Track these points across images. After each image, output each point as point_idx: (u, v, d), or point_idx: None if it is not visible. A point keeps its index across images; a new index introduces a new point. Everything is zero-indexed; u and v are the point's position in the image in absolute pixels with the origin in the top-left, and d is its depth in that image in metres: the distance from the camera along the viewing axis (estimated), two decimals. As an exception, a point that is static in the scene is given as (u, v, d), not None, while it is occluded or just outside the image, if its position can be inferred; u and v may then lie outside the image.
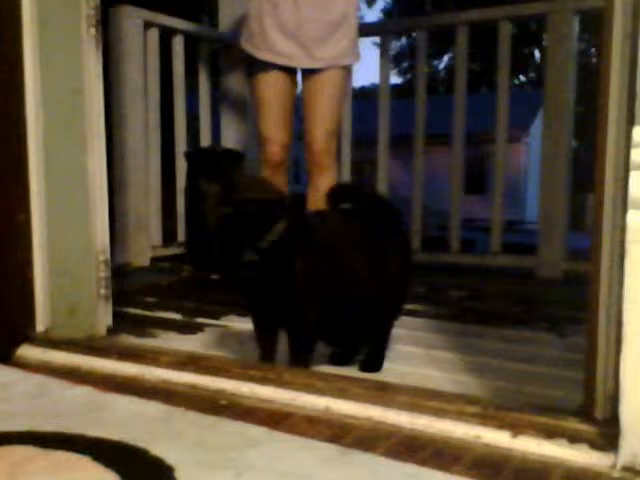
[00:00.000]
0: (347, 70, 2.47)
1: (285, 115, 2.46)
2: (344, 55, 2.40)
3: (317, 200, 2.49)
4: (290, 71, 2.43)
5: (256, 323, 1.60)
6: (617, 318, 1.08)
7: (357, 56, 2.47)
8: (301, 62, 2.40)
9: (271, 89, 2.43)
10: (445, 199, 3.27)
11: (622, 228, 1.06)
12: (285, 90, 2.45)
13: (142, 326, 2.07)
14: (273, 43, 2.37)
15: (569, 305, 2.39)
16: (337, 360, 1.67)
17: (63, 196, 1.84)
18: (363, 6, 24.35)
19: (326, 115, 2.43)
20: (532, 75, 25.80)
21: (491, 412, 1.25)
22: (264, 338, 1.59)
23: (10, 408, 1.36)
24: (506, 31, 3.19)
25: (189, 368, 1.55)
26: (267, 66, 2.41)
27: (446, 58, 25.23)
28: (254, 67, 2.45)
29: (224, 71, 3.81)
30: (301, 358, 1.54)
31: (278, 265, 1.47)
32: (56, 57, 1.80)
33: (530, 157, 18.30)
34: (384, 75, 3.56)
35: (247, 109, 3.71)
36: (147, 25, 3.27)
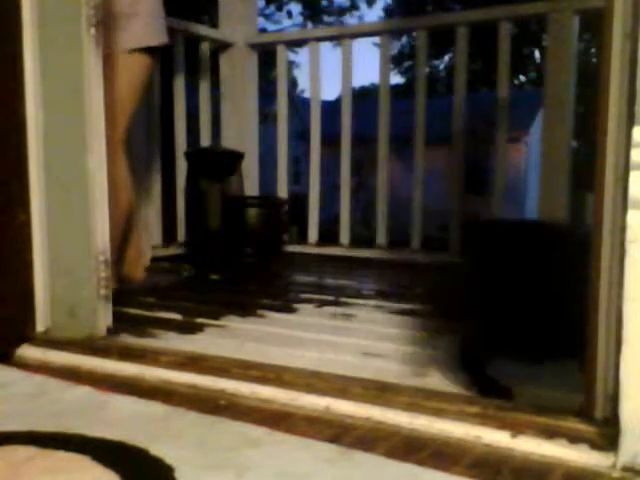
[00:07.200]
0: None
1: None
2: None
3: None
4: None
5: None
6: (617, 318, 1.08)
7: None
8: None
9: None
10: (445, 199, 3.26)
11: (622, 228, 1.06)
12: None
13: (142, 326, 2.06)
14: None
15: (569, 305, 2.38)
16: None
17: (63, 196, 1.84)
18: (363, 6, 24.34)
19: None
20: (532, 75, 25.79)
21: (491, 412, 1.25)
22: None
23: (10, 408, 1.36)
24: (506, 31, 3.20)
25: (189, 368, 1.55)
26: None
27: (446, 58, 25.21)
28: None
29: (224, 71, 3.81)
30: None
31: None
32: (56, 57, 1.80)
33: (530, 157, 18.30)
34: (384, 75, 3.57)
35: (247, 109, 3.71)
36: (147, 25, 3.26)
